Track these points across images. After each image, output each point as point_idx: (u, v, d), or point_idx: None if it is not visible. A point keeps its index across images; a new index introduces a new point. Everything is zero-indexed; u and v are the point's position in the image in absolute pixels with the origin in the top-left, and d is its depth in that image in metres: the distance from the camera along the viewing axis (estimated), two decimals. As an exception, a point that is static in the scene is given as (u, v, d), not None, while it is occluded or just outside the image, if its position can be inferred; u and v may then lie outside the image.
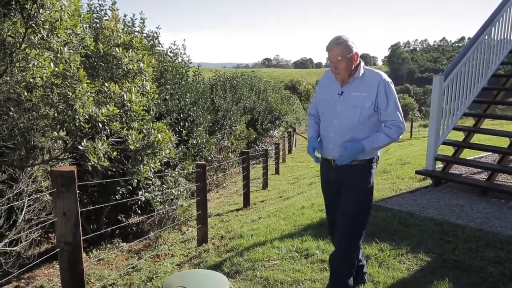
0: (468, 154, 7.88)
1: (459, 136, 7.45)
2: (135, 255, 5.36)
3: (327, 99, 2.80)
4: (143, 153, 3.74)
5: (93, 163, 3.44)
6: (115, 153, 3.69)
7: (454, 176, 6.40)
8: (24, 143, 4.25)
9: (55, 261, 5.56)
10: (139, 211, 6.38)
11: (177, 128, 7.29)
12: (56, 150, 4.18)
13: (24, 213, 4.48)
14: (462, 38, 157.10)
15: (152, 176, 5.04)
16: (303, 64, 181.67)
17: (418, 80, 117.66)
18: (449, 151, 7.05)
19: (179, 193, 6.67)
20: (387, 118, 2.66)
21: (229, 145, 12.97)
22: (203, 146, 7.55)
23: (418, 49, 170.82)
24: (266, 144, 18.04)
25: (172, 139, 4.21)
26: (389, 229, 4.56)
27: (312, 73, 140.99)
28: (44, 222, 4.21)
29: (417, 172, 6.53)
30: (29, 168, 4.50)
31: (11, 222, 4.37)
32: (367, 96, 2.63)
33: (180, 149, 6.58)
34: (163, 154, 4.04)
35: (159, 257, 4.98)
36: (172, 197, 6.50)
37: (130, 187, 5.94)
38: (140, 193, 5.89)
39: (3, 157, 4.35)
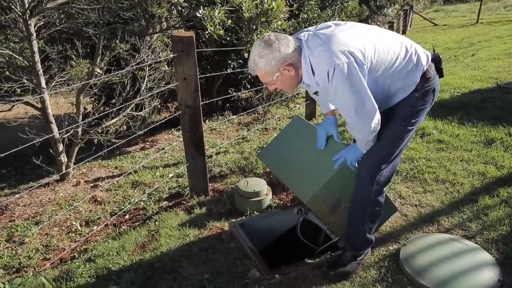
0: None
1: None
2: (245, 127, 5.60)
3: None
4: (257, 21, 3.63)
5: (209, 31, 3.43)
6: (229, 21, 3.64)
7: None
8: (143, 13, 4.38)
9: (173, 128, 6.07)
10: (248, 86, 6.51)
11: (288, 1, 6.96)
12: (173, 19, 4.25)
13: (146, 82, 4.83)
14: None
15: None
16: None
17: None
18: None
19: (288, 69, 6.58)
20: None
21: (339, 22, 12.24)
22: (314, 21, 7.16)
23: None
24: (378, 23, 16.76)
25: (284, 9, 4.01)
26: (520, 114, 4.13)
27: None
28: (163, 91, 4.51)
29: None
30: (148, 38, 4.71)
31: (135, 89, 4.77)
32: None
33: (291, 23, 6.34)
34: (275, 24, 3.90)
35: (267, 130, 5.15)
36: (281, 74, 6.47)
37: (241, 61, 6.00)
38: (250, 67, 5.93)
39: (127, 25, 4.58)
